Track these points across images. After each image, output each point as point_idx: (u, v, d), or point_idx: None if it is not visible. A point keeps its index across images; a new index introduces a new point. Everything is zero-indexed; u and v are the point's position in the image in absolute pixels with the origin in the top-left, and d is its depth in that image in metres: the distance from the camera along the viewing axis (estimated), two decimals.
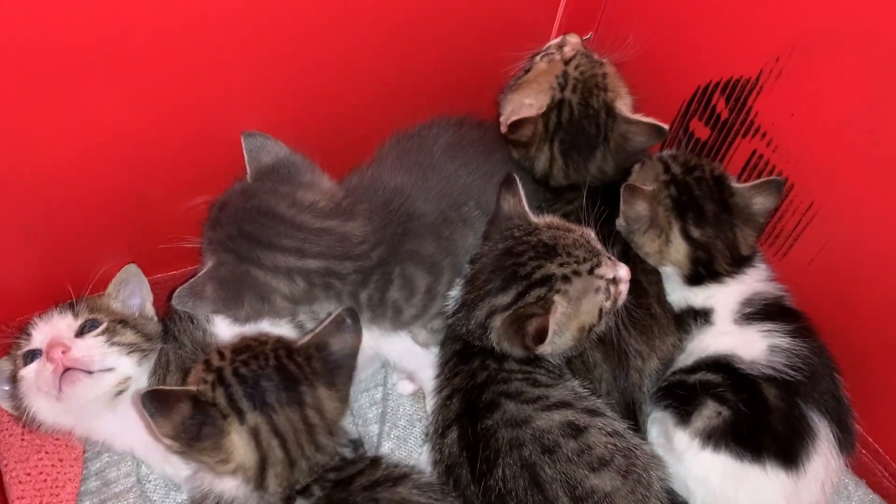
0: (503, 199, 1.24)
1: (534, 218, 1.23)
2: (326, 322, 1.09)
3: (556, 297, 1.14)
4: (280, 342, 1.06)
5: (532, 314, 1.13)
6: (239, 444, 0.97)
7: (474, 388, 1.18)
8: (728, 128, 1.40)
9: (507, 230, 1.22)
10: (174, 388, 0.97)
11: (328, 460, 1.03)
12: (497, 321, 1.16)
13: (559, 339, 1.17)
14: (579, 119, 1.37)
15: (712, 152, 1.45)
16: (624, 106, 1.38)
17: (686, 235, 1.31)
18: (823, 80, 1.20)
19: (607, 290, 1.17)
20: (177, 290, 1.14)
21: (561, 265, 1.16)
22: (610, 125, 1.37)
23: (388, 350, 1.29)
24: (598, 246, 1.20)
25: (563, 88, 1.38)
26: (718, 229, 1.31)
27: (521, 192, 1.23)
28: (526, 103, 1.40)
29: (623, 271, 1.19)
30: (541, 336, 1.11)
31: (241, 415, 0.96)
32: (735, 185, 1.34)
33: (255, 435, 0.97)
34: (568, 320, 1.16)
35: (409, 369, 1.33)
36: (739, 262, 1.33)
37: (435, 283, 1.25)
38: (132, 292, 1.25)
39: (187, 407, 0.94)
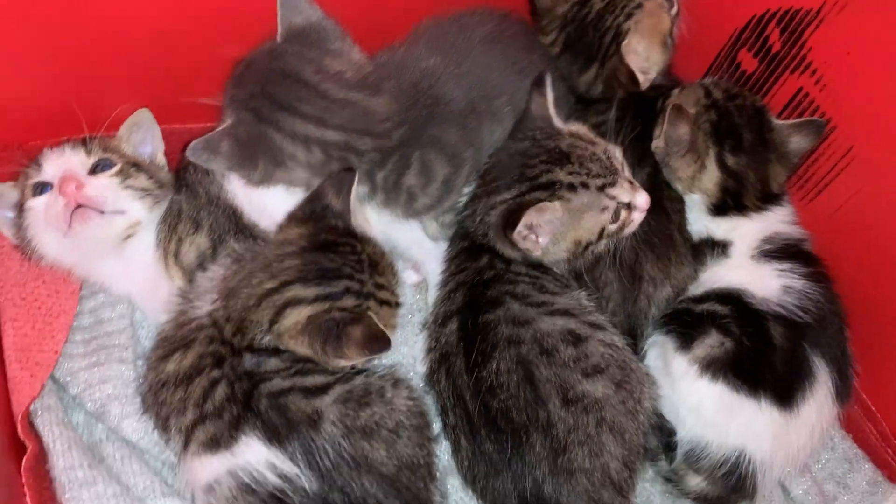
0: (533, 99, 1.20)
1: (559, 123, 1.19)
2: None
3: (556, 203, 1.11)
4: None
5: (526, 204, 1.09)
6: None
7: (479, 284, 1.17)
8: (778, 61, 1.34)
9: (529, 131, 1.18)
10: None
11: None
12: (492, 216, 1.14)
13: (553, 247, 1.15)
14: (588, 25, 1.32)
15: (756, 86, 1.39)
16: (638, 48, 1.30)
17: (721, 162, 1.27)
18: (891, 18, 1.14)
19: (616, 212, 1.14)
20: (192, 142, 1.12)
21: (570, 174, 1.12)
22: (610, 52, 1.31)
23: (397, 238, 1.27)
24: (619, 166, 1.17)
25: None
26: (753, 160, 1.27)
27: (550, 94, 1.19)
28: None
29: (642, 199, 1.16)
30: (513, 223, 1.09)
31: None
32: (775, 120, 1.31)
33: None
34: (564, 229, 1.14)
35: (415, 259, 1.31)
36: (767, 199, 1.29)
37: (453, 175, 1.21)
38: (143, 139, 1.22)
39: None
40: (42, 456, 1.03)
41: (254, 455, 0.95)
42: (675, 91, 1.37)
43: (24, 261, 1.15)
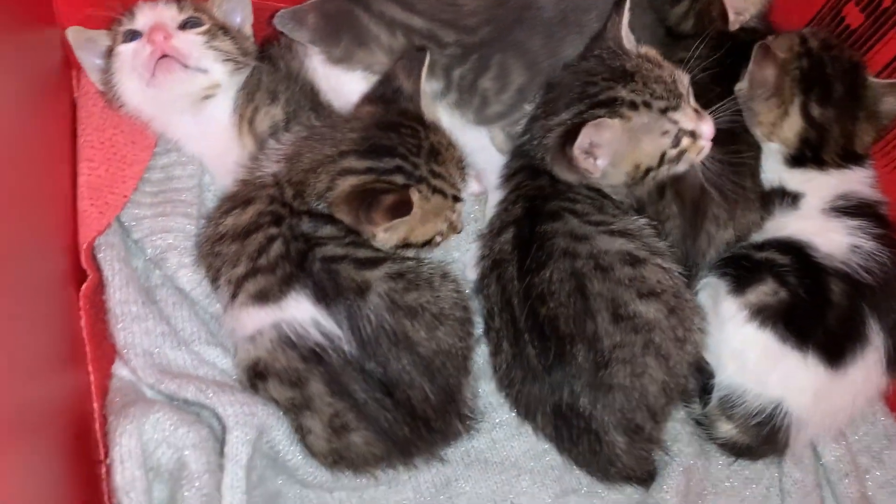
0: (611, 20, 1.17)
1: (629, 44, 1.15)
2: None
3: (616, 121, 1.08)
4: None
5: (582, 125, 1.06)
6: None
7: (539, 198, 1.16)
8: (886, 17, 1.28)
9: (597, 51, 1.16)
10: None
11: None
12: (550, 138, 1.12)
13: (612, 169, 1.13)
14: None
15: (858, 43, 1.34)
16: None
17: (805, 112, 1.23)
18: None
19: (677, 138, 1.11)
20: (281, 11, 1.13)
21: (632, 91, 1.10)
22: None
23: (464, 143, 1.27)
24: (684, 92, 1.13)
25: None
26: (839, 114, 1.23)
27: (626, 15, 1.15)
28: None
29: (707, 128, 1.12)
30: (570, 139, 1.06)
31: None
32: (871, 78, 1.26)
33: None
34: (624, 151, 1.11)
35: (478, 167, 1.31)
36: (848, 157, 1.25)
37: (529, 84, 1.20)
38: (234, 8, 1.23)
39: None
40: (100, 288, 1.08)
41: (300, 311, 0.97)
42: (771, 37, 1.32)
43: (107, 108, 1.19)
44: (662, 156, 1.12)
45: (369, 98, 1.14)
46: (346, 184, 1.04)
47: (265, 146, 1.14)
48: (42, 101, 1.14)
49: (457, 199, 1.13)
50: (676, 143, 1.11)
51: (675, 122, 1.11)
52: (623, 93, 1.10)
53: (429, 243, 1.12)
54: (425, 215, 1.08)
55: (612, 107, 1.09)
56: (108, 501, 0.94)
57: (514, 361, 1.13)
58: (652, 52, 1.17)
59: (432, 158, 1.08)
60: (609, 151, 1.10)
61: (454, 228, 1.17)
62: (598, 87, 1.11)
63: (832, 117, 1.23)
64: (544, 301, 1.08)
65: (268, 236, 1.02)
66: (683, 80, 1.15)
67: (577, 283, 1.07)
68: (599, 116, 1.08)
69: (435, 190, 1.08)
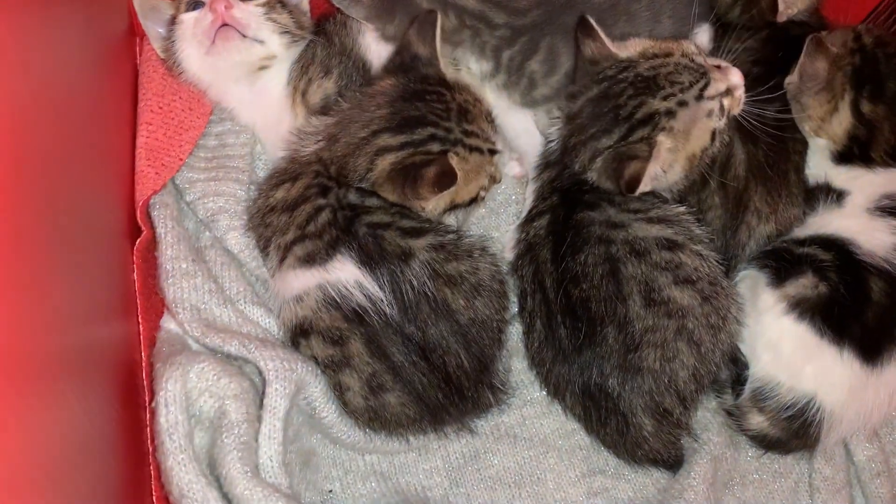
0: (582, 42, 1.14)
1: (622, 52, 1.14)
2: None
3: (661, 137, 1.08)
4: None
5: (633, 156, 1.07)
6: None
7: (575, 187, 1.17)
8: None
9: (597, 75, 1.13)
10: None
11: None
12: (599, 163, 1.12)
13: (668, 174, 1.13)
14: None
15: None
16: None
17: (855, 108, 1.23)
18: None
19: (720, 107, 1.11)
20: None
21: (665, 98, 1.09)
22: None
23: (508, 125, 1.29)
24: (703, 60, 1.12)
25: None
26: (890, 112, 1.22)
27: (601, 31, 1.13)
28: None
29: (735, 76, 1.12)
30: (632, 185, 1.07)
31: None
32: None
33: None
34: (676, 155, 1.11)
35: (521, 150, 1.32)
36: None
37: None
38: None
39: None
40: (153, 244, 1.13)
41: (345, 273, 1.01)
42: (824, 32, 1.31)
43: (167, 75, 1.24)
44: (713, 133, 1.13)
45: (388, 69, 1.15)
46: (385, 162, 1.06)
47: (306, 125, 1.17)
48: (107, 66, 1.19)
49: (493, 151, 1.14)
50: (722, 113, 1.11)
51: (713, 97, 1.10)
52: (657, 104, 1.09)
53: (474, 200, 1.14)
54: (467, 176, 1.09)
55: (652, 123, 1.09)
56: (151, 444, 0.98)
57: (546, 341, 1.14)
58: (647, 44, 1.15)
59: (463, 118, 1.09)
60: (665, 162, 1.11)
61: (494, 180, 1.18)
62: (629, 106, 1.10)
63: (883, 115, 1.22)
64: (577, 283, 1.09)
65: (316, 206, 1.05)
66: (691, 47, 1.14)
67: (612, 267, 1.08)
68: (645, 137, 1.08)
69: (471, 149, 1.09)
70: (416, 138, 1.06)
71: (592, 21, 1.12)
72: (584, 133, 1.13)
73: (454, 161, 1.05)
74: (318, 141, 1.12)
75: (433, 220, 1.10)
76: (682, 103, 1.10)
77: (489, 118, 1.14)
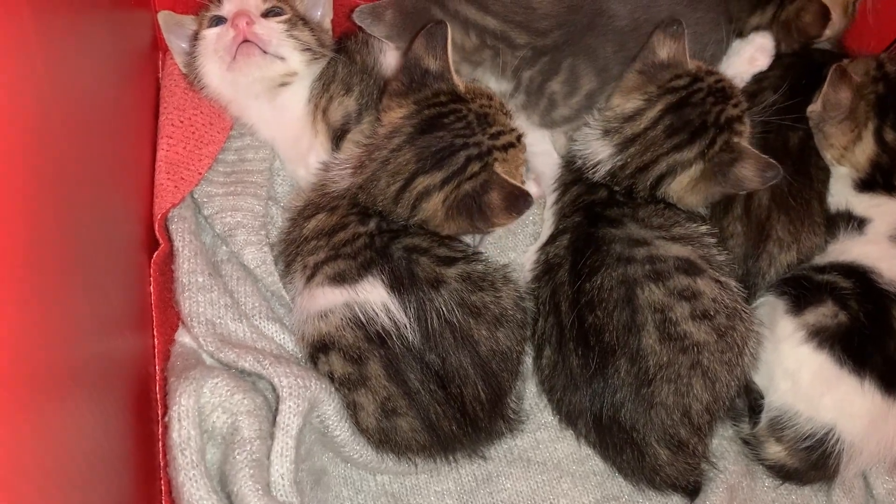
0: (663, 46, 1.16)
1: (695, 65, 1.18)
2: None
3: (737, 139, 1.12)
4: None
5: (730, 160, 1.11)
6: None
7: (598, 206, 1.17)
8: None
9: (669, 83, 1.15)
10: None
11: None
12: (684, 177, 1.14)
13: None
14: None
15: None
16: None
17: (879, 136, 1.23)
18: None
19: None
20: (360, 6, 1.18)
21: (735, 105, 1.12)
22: None
23: (527, 144, 1.28)
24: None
25: None
26: None
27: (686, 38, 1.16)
28: None
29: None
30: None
31: None
32: None
33: None
34: None
35: (539, 171, 1.32)
36: None
37: (598, 91, 1.22)
38: (316, 2, 1.28)
39: None
40: (170, 257, 1.13)
41: (373, 295, 1.00)
42: (846, 60, 1.31)
43: (188, 90, 1.24)
44: None
45: (397, 93, 1.10)
46: (433, 204, 1.05)
47: (333, 156, 1.18)
48: (129, 79, 1.20)
49: (519, 137, 1.12)
50: None
51: None
52: (732, 110, 1.14)
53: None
54: (514, 173, 1.08)
55: (730, 128, 1.13)
56: (163, 459, 0.98)
57: (555, 369, 1.14)
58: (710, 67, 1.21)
59: (485, 124, 1.07)
60: None
61: (525, 161, 1.17)
62: (712, 113, 1.13)
63: None
64: (592, 308, 1.09)
65: (354, 234, 1.05)
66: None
67: (627, 292, 1.07)
68: (726, 141, 1.12)
69: (505, 148, 1.08)
70: (453, 169, 1.04)
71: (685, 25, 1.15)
72: (659, 147, 1.14)
73: (499, 169, 1.04)
74: (346, 177, 1.11)
75: (468, 249, 1.10)
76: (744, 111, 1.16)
77: (504, 109, 1.12)
